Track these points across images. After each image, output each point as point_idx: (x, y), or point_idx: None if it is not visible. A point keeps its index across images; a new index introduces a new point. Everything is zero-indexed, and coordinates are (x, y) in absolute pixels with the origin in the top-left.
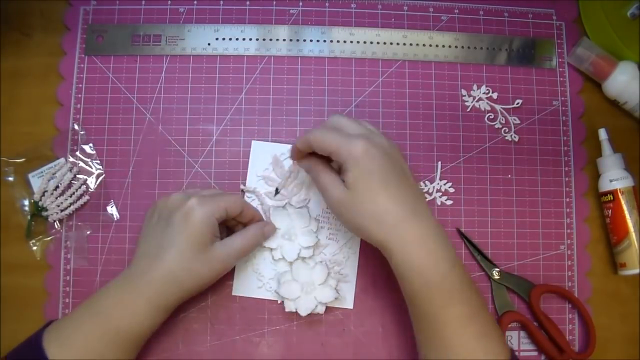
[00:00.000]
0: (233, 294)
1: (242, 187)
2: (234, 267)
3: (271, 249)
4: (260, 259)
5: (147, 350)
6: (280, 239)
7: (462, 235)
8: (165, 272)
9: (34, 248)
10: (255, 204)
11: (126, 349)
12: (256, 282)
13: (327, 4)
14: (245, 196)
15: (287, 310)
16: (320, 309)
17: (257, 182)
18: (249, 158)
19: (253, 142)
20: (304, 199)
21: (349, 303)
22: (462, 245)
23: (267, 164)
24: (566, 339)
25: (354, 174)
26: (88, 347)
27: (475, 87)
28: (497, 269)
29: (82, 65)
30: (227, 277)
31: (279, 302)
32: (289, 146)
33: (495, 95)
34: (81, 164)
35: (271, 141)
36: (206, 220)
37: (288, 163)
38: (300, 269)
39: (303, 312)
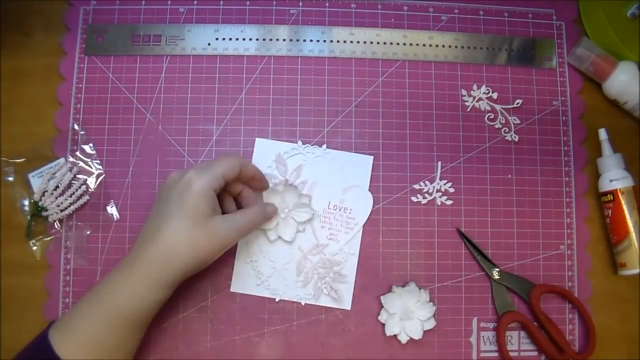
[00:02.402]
0: (231, 290)
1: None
2: (233, 264)
3: (265, 230)
4: (259, 256)
5: (147, 350)
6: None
7: (462, 235)
8: (164, 246)
9: (34, 248)
10: None
11: (131, 329)
12: (255, 280)
13: (327, 4)
14: None
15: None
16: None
17: None
18: (251, 158)
19: (257, 139)
20: (307, 197)
21: (346, 304)
22: (462, 245)
23: (270, 161)
24: (566, 339)
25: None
26: (92, 333)
27: (475, 87)
28: (497, 269)
29: (82, 65)
30: (226, 274)
31: (276, 300)
32: (293, 144)
33: (495, 95)
34: (81, 164)
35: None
36: (203, 193)
37: (291, 161)
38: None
39: (415, 335)
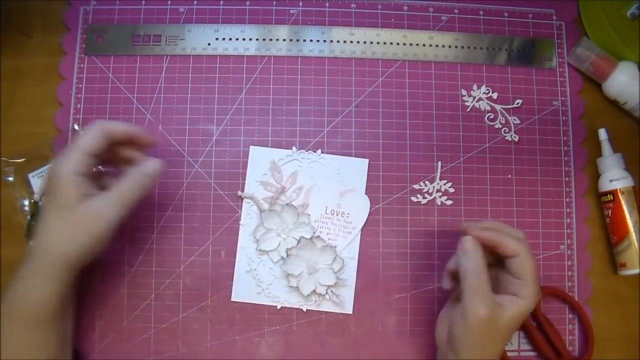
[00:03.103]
0: (232, 299)
1: (239, 193)
2: (233, 272)
3: (268, 252)
4: (259, 264)
5: (147, 350)
6: (275, 238)
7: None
8: (41, 239)
9: None
10: (253, 209)
11: (34, 327)
12: (255, 288)
13: (327, 4)
14: (243, 202)
15: (290, 285)
16: (321, 290)
17: (256, 187)
18: (246, 166)
19: (251, 147)
20: (303, 204)
21: (348, 308)
22: None
23: (265, 169)
24: (564, 343)
25: (532, 291)
26: (3, 341)
27: (475, 87)
28: None
29: (82, 65)
30: (225, 274)
31: (278, 307)
32: (287, 151)
33: (495, 95)
34: None
35: (271, 141)
36: (68, 179)
37: (286, 168)
38: (307, 247)
39: (305, 292)
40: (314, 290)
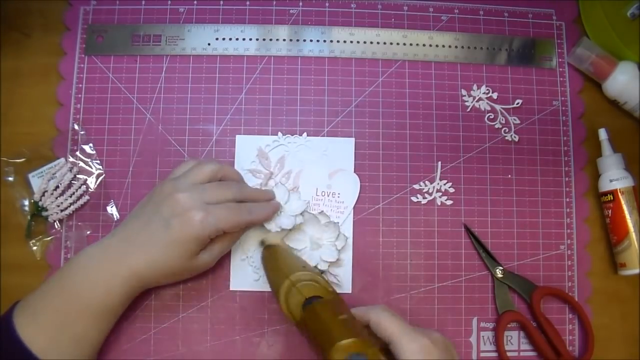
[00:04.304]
0: (231, 288)
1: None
2: (230, 263)
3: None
4: (256, 252)
5: (147, 350)
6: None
7: (469, 231)
8: (146, 267)
9: (34, 248)
10: None
11: (99, 322)
12: (253, 275)
13: (327, 4)
14: None
15: None
16: (323, 266)
17: (245, 175)
18: (234, 156)
19: (237, 136)
20: (293, 188)
21: (346, 287)
22: (462, 245)
23: (253, 156)
24: (564, 343)
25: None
26: (58, 321)
27: (475, 87)
28: (501, 268)
29: (82, 65)
30: (225, 275)
31: None
32: (274, 137)
33: (495, 95)
34: (81, 164)
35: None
36: (201, 240)
37: (273, 154)
38: (311, 223)
39: (331, 258)
40: (316, 266)
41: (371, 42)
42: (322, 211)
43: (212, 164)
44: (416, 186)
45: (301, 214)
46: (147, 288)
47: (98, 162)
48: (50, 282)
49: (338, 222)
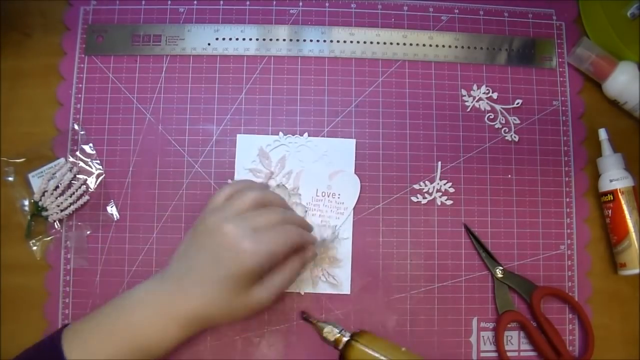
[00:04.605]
0: None
1: (229, 182)
2: None
3: None
4: None
5: None
6: None
7: (469, 231)
8: (203, 309)
9: (34, 248)
10: None
11: (144, 357)
12: None
13: (327, 4)
14: None
15: None
16: (317, 272)
17: (245, 175)
18: (234, 156)
19: (238, 136)
20: (293, 188)
21: (345, 289)
22: (462, 245)
23: (254, 156)
24: (564, 343)
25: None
26: (109, 354)
27: (475, 87)
28: (501, 268)
29: (82, 65)
30: None
31: None
32: (275, 137)
33: (495, 95)
34: (81, 164)
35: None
36: (256, 271)
37: (274, 154)
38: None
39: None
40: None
41: (371, 42)
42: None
43: (254, 191)
44: (416, 186)
45: None
46: (204, 329)
47: (98, 162)
48: (104, 312)
49: (335, 226)
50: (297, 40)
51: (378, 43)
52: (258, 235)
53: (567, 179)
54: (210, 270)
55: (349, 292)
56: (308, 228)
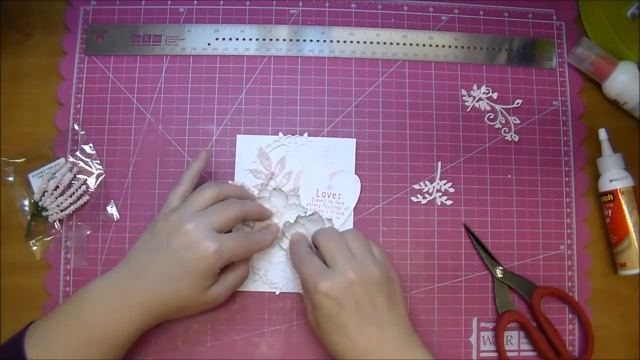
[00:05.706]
0: None
1: (229, 182)
2: None
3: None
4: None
5: (147, 350)
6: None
7: (469, 231)
8: (159, 302)
9: (34, 248)
10: None
11: (110, 352)
12: (252, 276)
13: (327, 4)
14: None
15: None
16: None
17: (245, 175)
18: (234, 156)
19: (238, 136)
20: (294, 188)
21: None
22: (462, 245)
23: (254, 156)
24: (564, 343)
25: (311, 314)
26: (70, 350)
27: (475, 87)
28: (501, 268)
29: (82, 65)
30: None
31: (277, 293)
32: (274, 137)
33: (495, 95)
34: (81, 164)
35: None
36: (214, 272)
37: (274, 154)
38: (314, 222)
39: None
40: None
41: (371, 42)
42: (315, 212)
43: (210, 188)
44: (416, 186)
45: (298, 221)
46: (159, 322)
47: (98, 162)
48: (62, 310)
49: (331, 219)
50: (297, 40)
51: (378, 43)
52: (221, 239)
53: (567, 179)
54: (171, 267)
55: None
56: (267, 214)
